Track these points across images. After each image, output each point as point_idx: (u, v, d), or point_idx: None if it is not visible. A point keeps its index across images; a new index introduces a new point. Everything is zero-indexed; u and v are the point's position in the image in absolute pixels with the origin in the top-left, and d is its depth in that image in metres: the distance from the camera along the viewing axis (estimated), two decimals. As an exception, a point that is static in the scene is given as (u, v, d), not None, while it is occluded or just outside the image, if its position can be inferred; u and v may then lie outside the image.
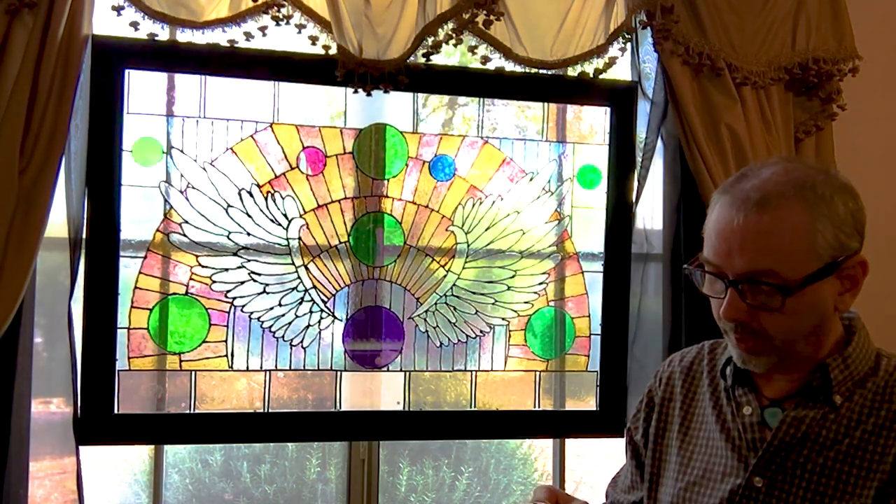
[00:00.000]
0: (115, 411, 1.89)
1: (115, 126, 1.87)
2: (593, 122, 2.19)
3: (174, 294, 1.93)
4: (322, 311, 2.00)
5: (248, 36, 1.86)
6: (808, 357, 1.06)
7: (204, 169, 1.94)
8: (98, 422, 1.86)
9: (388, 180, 2.04)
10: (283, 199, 1.98)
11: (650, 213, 2.14)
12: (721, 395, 1.14)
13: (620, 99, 2.13)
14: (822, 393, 1.04)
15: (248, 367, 1.98)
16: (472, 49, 1.96)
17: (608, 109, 2.13)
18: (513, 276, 2.11)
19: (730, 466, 1.07)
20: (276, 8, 1.84)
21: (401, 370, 2.06)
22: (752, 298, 1.01)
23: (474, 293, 2.09)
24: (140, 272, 1.91)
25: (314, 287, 1.99)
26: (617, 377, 2.14)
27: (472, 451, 2.41)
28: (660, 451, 1.20)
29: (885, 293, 2.27)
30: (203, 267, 1.94)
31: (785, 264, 0.99)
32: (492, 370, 2.11)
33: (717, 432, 1.11)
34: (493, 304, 2.10)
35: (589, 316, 2.16)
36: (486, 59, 1.97)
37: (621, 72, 2.15)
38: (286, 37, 1.89)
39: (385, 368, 2.05)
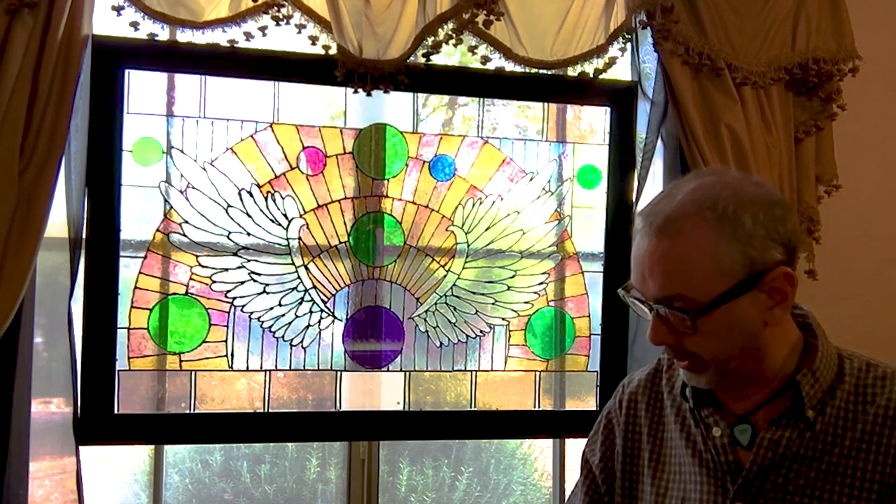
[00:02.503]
0: (115, 411, 1.89)
1: (115, 126, 1.87)
2: (593, 122, 2.19)
3: (174, 294, 1.93)
4: (322, 311, 2.00)
5: (248, 36, 1.85)
6: (753, 372, 1.03)
7: (204, 169, 1.94)
8: (98, 422, 1.86)
9: (388, 180, 2.04)
10: (283, 199, 1.98)
11: (650, 213, 2.14)
12: (687, 417, 1.11)
13: (620, 99, 2.13)
14: (795, 410, 1.02)
15: (248, 367, 1.98)
16: (472, 49, 1.96)
17: (608, 109, 2.13)
18: (513, 276, 2.11)
19: (707, 493, 1.05)
20: (276, 8, 1.84)
21: (401, 370, 2.06)
22: (669, 322, 1.01)
23: (474, 293, 2.09)
24: (140, 272, 1.91)
25: (314, 287, 2.00)
26: (617, 377, 2.13)
27: (472, 451, 2.41)
28: (629, 480, 1.17)
29: (886, 293, 2.27)
30: (203, 267, 1.94)
31: (690, 287, 0.97)
32: (492, 370, 2.11)
33: (688, 458, 1.09)
34: (493, 304, 2.10)
35: (589, 316, 2.16)
36: (486, 59, 1.97)
37: (621, 72, 2.15)
38: (286, 37, 1.89)
39: (385, 368, 2.05)
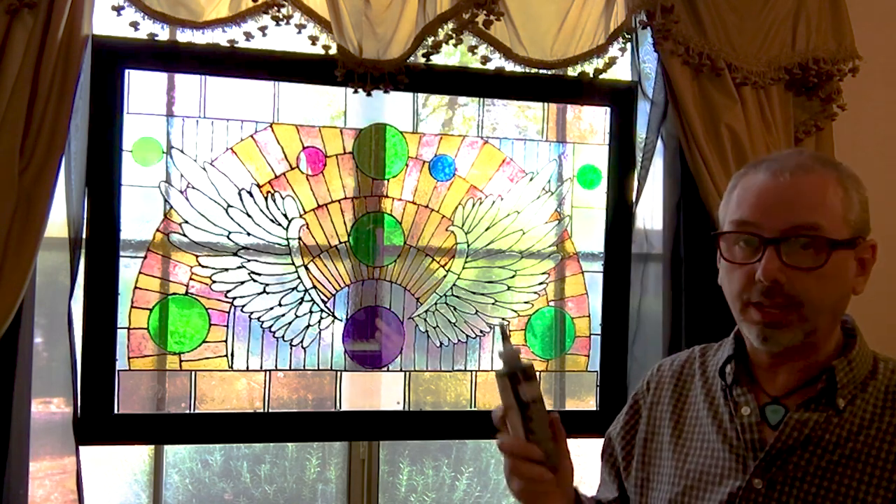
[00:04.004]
0: (115, 411, 1.89)
1: (115, 126, 1.87)
2: (593, 122, 2.19)
3: (174, 294, 1.93)
4: (322, 311, 2.00)
5: (248, 36, 1.86)
6: (813, 344, 1.04)
7: (204, 169, 1.94)
8: (98, 422, 1.86)
9: (388, 180, 2.04)
10: (283, 199, 1.98)
11: (650, 213, 2.14)
12: (717, 395, 1.12)
13: (620, 99, 2.13)
14: (826, 396, 1.03)
15: (248, 367, 1.98)
16: (472, 49, 1.96)
17: (608, 109, 2.13)
18: (513, 276, 2.11)
19: (727, 468, 1.06)
20: (276, 8, 1.84)
21: (401, 370, 2.06)
22: (790, 257, 1.00)
23: (474, 293, 2.09)
24: (140, 272, 1.91)
25: (314, 287, 1.99)
26: (617, 377, 2.14)
27: (472, 451, 2.40)
28: (648, 455, 1.19)
29: (886, 293, 2.27)
30: (203, 267, 1.94)
31: (829, 221, 1.00)
32: (492, 370, 2.10)
33: (713, 434, 1.10)
34: (493, 304, 2.10)
35: (589, 316, 2.16)
36: (486, 59, 1.97)
37: (621, 72, 2.15)
38: (286, 37, 1.89)
39: (385, 368, 2.05)
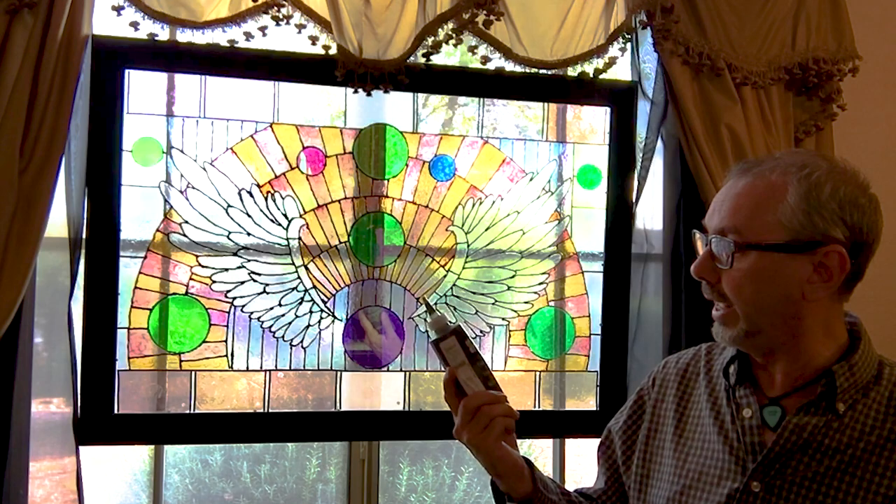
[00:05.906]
0: (115, 411, 1.89)
1: (115, 126, 1.87)
2: (593, 122, 2.19)
3: (174, 294, 1.93)
4: (322, 311, 2.00)
5: (248, 36, 1.86)
6: (786, 345, 1.05)
7: (204, 169, 1.94)
8: (98, 422, 1.86)
9: (388, 180, 2.04)
10: (283, 199, 1.98)
11: (650, 213, 2.14)
12: (720, 395, 1.13)
13: (620, 99, 2.13)
14: (826, 400, 1.03)
15: (248, 367, 1.98)
16: (472, 49, 1.96)
17: (608, 109, 2.13)
18: (513, 276, 2.11)
19: (727, 470, 1.06)
20: (276, 8, 1.84)
21: (401, 370, 2.06)
22: (717, 257, 1.05)
23: (474, 293, 2.09)
24: (140, 272, 1.91)
25: (314, 287, 1.99)
26: (617, 377, 2.14)
27: (472, 451, 2.41)
28: (650, 452, 1.19)
29: (886, 293, 2.27)
30: (203, 267, 1.94)
31: (747, 224, 1.02)
32: (492, 370, 2.10)
33: (714, 434, 1.10)
34: (493, 304, 2.10)
35: (589, 316, 2.16)
36: (486, 59, 1.97)
37: (621, 72, 2.15)
38: (286, 37, 1.89)
39: (385, 368, 2.05)
